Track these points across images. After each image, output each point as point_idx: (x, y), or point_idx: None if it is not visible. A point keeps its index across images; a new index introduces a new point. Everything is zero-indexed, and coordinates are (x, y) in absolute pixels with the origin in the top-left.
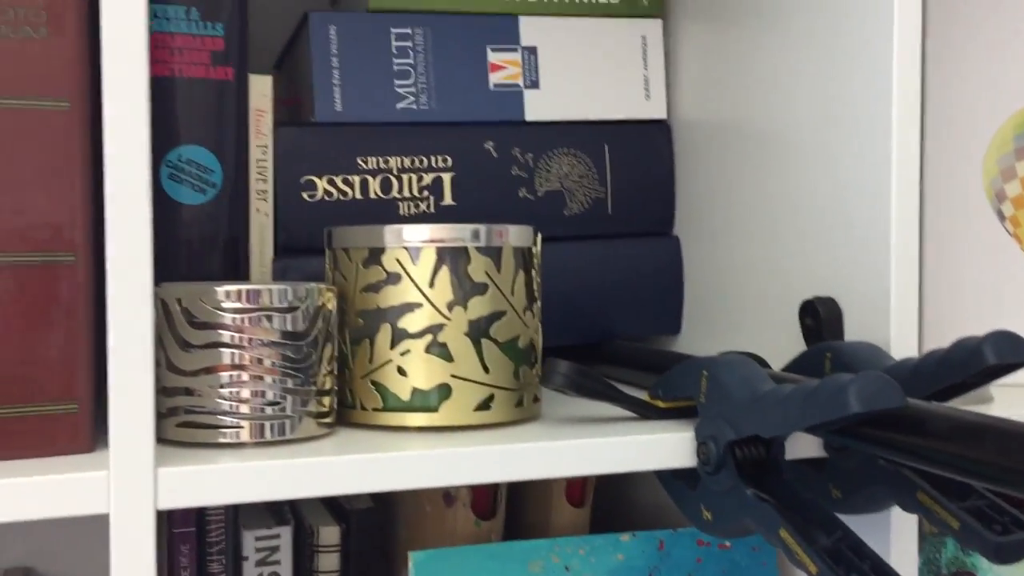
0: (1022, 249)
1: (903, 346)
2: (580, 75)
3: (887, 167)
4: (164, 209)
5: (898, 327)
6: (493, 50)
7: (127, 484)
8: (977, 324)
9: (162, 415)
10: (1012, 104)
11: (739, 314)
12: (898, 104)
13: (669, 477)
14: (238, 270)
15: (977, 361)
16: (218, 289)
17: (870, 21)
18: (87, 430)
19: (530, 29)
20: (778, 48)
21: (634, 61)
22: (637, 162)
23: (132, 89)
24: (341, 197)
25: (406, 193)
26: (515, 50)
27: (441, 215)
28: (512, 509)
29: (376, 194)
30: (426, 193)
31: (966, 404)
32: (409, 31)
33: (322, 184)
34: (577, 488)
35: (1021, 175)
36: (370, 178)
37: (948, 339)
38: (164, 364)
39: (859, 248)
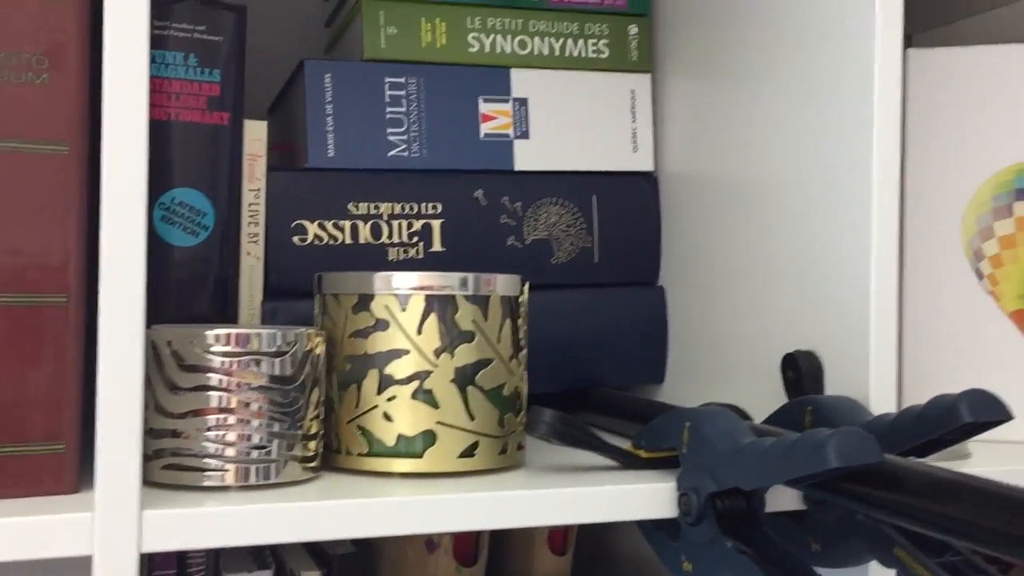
0: (1000, 307)
1: (882, 400)
2: (569, 127)
3: (867, 223)
4: (156, 250)
5: (877, 382)
6: (485, 100)
7: (112, 527)
8: (956, 380)
9: (148, 457)
10: (991, 164)
11: (723, 365)
12: (878, 162)
13: (650, 527)
14: (227, 312)
15: (953, 418)
16: (208, 333)
17: (851, 80)
18: (73, 471)
19: (521, 81)
20: (761, 104)
21: (622, 114)
22: (624, 213)
23: (132, 135)
24: (331, 241)
25: (396, 239)
26: (506, 101)
27: (430, 261)
28: (494, 556)
29: (366, 239)
30: (416, 239)
31: (944, 460)
32: (403, 80)
33: (313, 228)
34: (559, 536)
35: (999, 234)
36: (360, 223)
37: (928, 394)
38: (152, 406)
39: (839, 303)
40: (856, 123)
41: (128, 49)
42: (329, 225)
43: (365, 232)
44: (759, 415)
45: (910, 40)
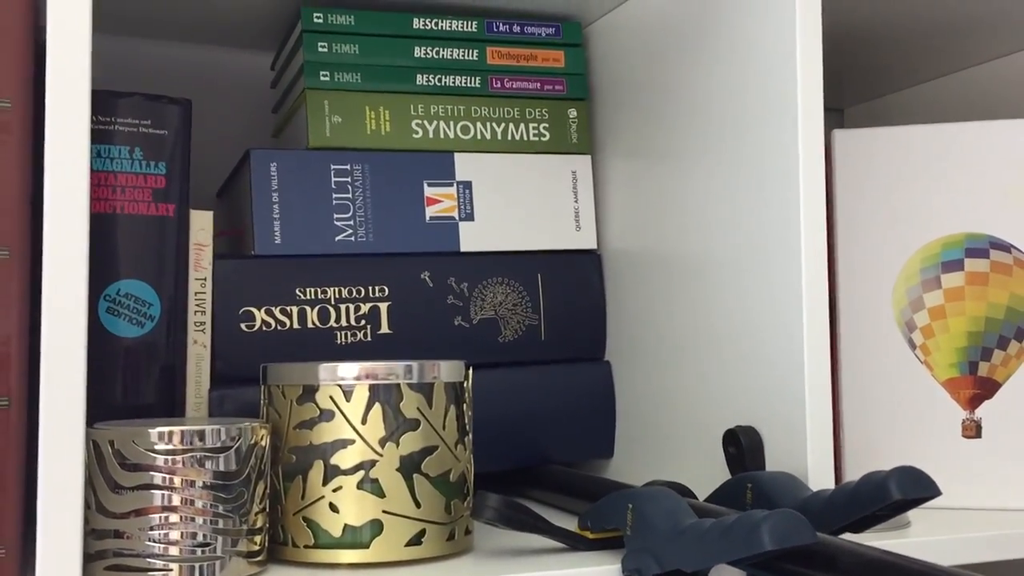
0: (933, 376)
1: (820, 475)
2: (513, 208)
3: (798, 299)
4: (100, 342)
5: (814, 456)
6: (429, 184)
7: None
8: (894, 448)
9: (89, 557)
10: (918, 238)
11: (668, 439)
12: (806, 238)
13: None
14: (173, 400)
15: (883, 495)
16: (151, 431)
17: (777, 159)
18: (13, 575)
19: (465, 164)
20: (695, 183)
21: (565, 194)
22: (569, 290)
23: (72, 240)
24: (279, 327)
25: (343, 322)
26: (451, 184)
27: (378, 343)
28: None
29: (314, 323)
30: (363, 322)
31: (884, 530)
32: (348, 167)
33: (260, 315)
34: None
35: (929, 306)
36: (308, 308)
37: (867, 463)
38: (94, 506)
39: (776, 379)
40: (782, 201)
41: (69, 161)
42: (277, 311)
43: (313, 317)
44: (706, 488)
45: (842, 115)
